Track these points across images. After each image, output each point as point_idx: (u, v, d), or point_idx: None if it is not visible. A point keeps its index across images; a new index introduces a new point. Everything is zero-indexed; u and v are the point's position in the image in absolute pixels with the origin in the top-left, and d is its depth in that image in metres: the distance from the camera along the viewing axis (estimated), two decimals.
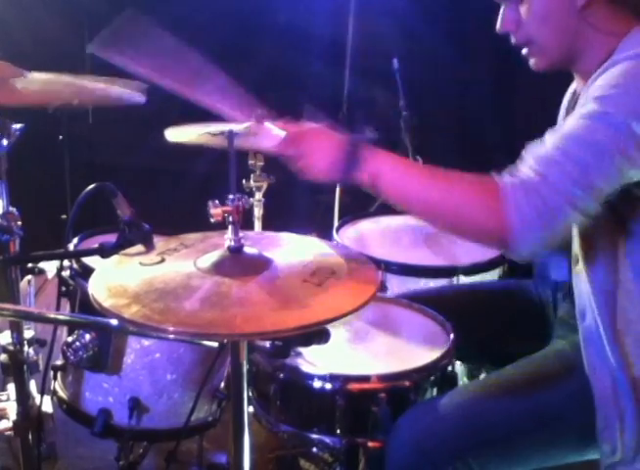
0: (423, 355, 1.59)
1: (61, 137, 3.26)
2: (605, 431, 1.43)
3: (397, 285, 2.06)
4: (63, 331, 1.74)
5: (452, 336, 1.65)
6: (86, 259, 1.76)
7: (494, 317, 1.80)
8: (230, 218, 1.23)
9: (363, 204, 3.31)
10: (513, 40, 1.51)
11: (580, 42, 1.47)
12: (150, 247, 1.32)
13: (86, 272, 1.72)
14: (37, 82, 1.49)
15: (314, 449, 1.57)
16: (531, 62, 1.52)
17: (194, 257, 1.25)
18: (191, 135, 2.02)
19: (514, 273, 2.12)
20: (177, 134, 2.03)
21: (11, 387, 1.70)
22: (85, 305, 1.69)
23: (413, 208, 1.38)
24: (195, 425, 1.73)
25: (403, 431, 1.47)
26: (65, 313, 1.73)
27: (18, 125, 1.54)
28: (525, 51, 1.52)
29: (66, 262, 1.79)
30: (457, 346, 1.62)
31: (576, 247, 1.47)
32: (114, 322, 1.34)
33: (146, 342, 1.67)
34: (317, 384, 1.52)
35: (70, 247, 1.87)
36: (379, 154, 1.39)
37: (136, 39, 1.50)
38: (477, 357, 1.88)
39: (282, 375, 1.56)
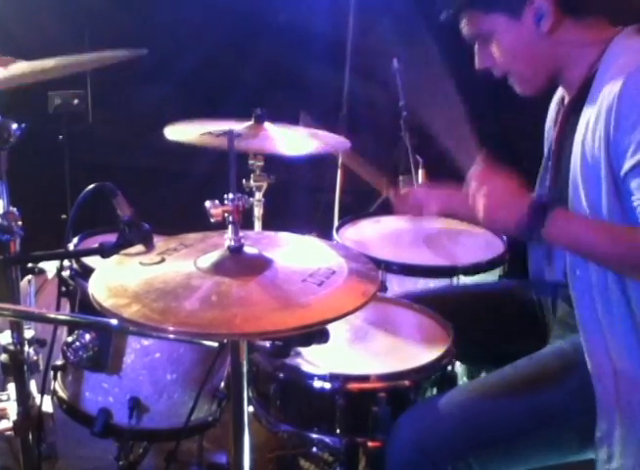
0: (423, 355, 1.59)
1: (61, 137, 3.26)
2: (604, 438, 1.43)
3: (397, 285, 2.06)
4: (63, 331, 1.73)
5: (452, 336, 1.65)
6: (86, 259, 1.76)
7: (493, 318, 1.80)
8: (230, 218, 1.23)
9: (363, 204, 3.32)
10: (495, 73, 1.56)
11: (560, 61, 1.50)
12: (150, 247, 1.32)
13: (86, 272, 1.72)
14: (29, 65, 1.49)
15: (314, 449, 1.57)
16: (518, 90, 1.57)
17: (194, 256, 1.25)
18: (191, 135, 2.02)
19: (514, 274, 2.12)
20: (177, 134, 2.03)
21: (11, 387, 1.70)
22: (85, 305, 1.69)
23: (599, 257, 1.41)
24: (195, 425, 1.73)
25: (404, 430, 1.47)
26: (65, 313, 1.73)
27: (18, 125, 1.53)
28: (510, 80, 1.56)
29: (66, 262, 1.79)
30: (457, 346, 1.62)
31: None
32: (114, 322, 1.34)
33: (146, 342, 1.67)
34: (317, 384, 1.52)
35: (70, 247, 1.87)
36: (561, 216, 1.42)
37: None
38: (476, 358, 1.88)
39: (282, 375, 1.56)
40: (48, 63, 1.47)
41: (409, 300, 1.85)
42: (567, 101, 1.57)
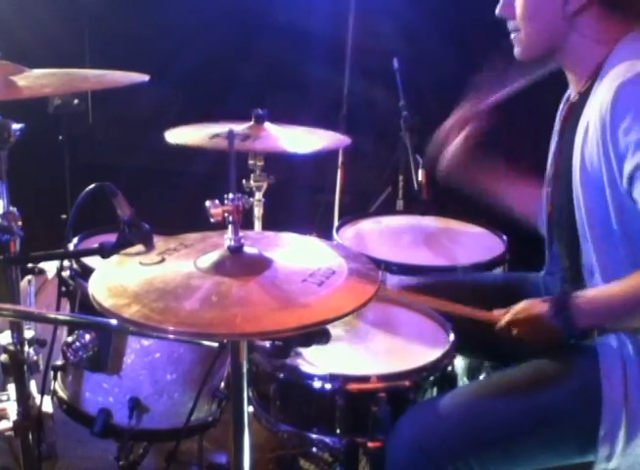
0: (423, 355, 1.59)
1: (61, 137, 3.26)
2: (607, 436, 1.43)
3: (397, 285, 2.06)
4: (63, 331, 1.74)
5: (452, 336, 1.65)
6: (86, 259, 1.76)
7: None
8: (230, 218, 1.23)
9: (363, 204, 3.32)
10: (509, 25, 1.56)
11: (567, 46, 1.50)
12: (150, 247, 1.32)
13: (86, 272, 1.72)
14: (32, 77, 1.50)
15: (314, 449, 1.57)
16: (515, 50, 1.57)
17: (194, 256, 1.25)
18: (192, 137, 2.02)
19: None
20: (178, 137, 2.03)
21: (11, 387, 1.70)
22: (85, 305, 1.69)
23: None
24: (195, 425, 1.73)
25: (404, 430, 1.47)
26: (65, 313, 1.73)
27: (18, 125, 1.53)
28: (512, 36, 1.56)
29: (66, 262, 1.79)
30: (457, 343, 1.62)
31: (592, 260, 1.47)
32: (113, 322, 1.34)
33: (146, 342, 1.67)
34: (317, 384, 1.52)
35: (70, 247, 1.87)
36: (587, 306, 1.44)
37: None
38: (477, 354, 1.88)
39: (282, 375, 1.56)
40: (50, 83, 1.49)
41: (411, 291, 1.85)
42: (572, 97, 1.58)
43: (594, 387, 1.44)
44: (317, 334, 1.18)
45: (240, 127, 2.09)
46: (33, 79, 1.49)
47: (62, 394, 1.79)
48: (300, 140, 2.09)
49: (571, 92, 1.59)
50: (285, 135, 2.08)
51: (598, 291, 1.46)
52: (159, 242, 1.34)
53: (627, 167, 1.34)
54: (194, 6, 3.39)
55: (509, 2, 1.54)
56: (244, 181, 2.21)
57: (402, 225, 2.34)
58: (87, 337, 1.62)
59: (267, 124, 2.12)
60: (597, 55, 1.46)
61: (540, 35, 1.52)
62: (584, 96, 1.48)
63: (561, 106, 1.70)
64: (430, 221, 2.36)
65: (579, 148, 1.44)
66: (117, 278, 1.20)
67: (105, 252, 1.31)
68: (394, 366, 1.55)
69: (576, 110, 1.51)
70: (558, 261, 1.69)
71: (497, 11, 1.56)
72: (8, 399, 1.76)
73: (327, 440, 1.53)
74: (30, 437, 1.66)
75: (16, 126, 1.53)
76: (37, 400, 1.67)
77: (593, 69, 1.47)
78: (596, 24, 1.46)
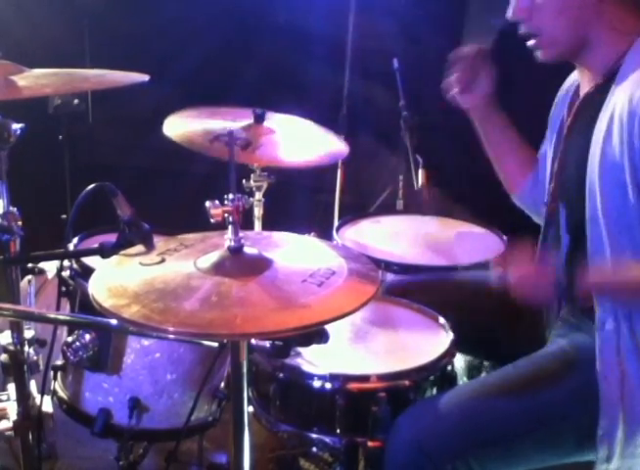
0: (422, 355, 1.59)
1: (61, 137, 3.25)
2: (605, 436, 1.42)
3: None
4: (63, 331, 1.74)
5: (452, 335, 1.65)
6: (86, 259, 1.76)
7: (493, 314, 1.80)
8: (230, 219, 1.23)
9: (363, 204, 3.31)
10: (522, 29, 1.51)
11: (591, 36, 1.46)
12: (150, 247, 1.32)
13: (86, 272, 1.72)
14: (32, 77, 1.50)
15: (314, 449, 1.57)
16: (538, 53, 1.52)
17: (194, 257, 1.25)
18: (191, 137, 2.02)
19: None
20: (176, 129, 2.03)
21: (11, 387, 1.70)
22: (85, 305, 1.69)
23: None
24: (195, 425, 1.73)
25: (403, 430, 1.47)
26: (65, 313, 1.73)
27: (18, 125, 1.53)
28: (531, 43, 1.52)
29: (66, 262, 1.79)
30: (457, 342, 1.63)
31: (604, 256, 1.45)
32: (113, 322, 1.34)
33: (146, 342, 1.67)
34: (317, 383, 1.52)
35: (70, 247, 1.87)
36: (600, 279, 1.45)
37: None
38: (475, 353, 1.88)
39: (282, 375, 1.56)
40: (51, 83, 1.49)
41: (407, 294, 1.85)
42: (585, 90, 1.54)
43: (592, 386, 1.45)
44: (316, 334, 1.18)
45: (239, 125, 2.08)
46: (33, 79, 1.49)
47: (62, 394, 1.79)
48: (301, 145, 2.09)
49: (582, 84, 1.56)
50: (285, 139, 2.07)
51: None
52: (159, 242, 1.34)
53: None
54: (194, 6, 3.38)
55: (524, 3, 1.48)
56: (244, 181, 2.20)
57: (402, 225, 2.34)
58: (87, 337, 1.62)
59: (267, 123, 2.11)
60: (617, 45, 1.44)
61: (569, 29, 1.47)
62: (603, 89, 1.46)
63: (561, 98, 1.67)
64: (430, 221, 2.35)
65: (600, 143, 1.41)
66: (117, 278, 1.20)
67: (105, 252, 1.31)
68: (394, 366, 1.55)
69: (594, 103, 1.47)
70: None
71: (510, 14, 1.50)
72: (8, 399, 1.76)
73: (327, 439, 1.53)
74: (30, 437, 1.66)
75: (16, 126, 1.53)
76: (37, 400, 1.67)
77: (613, 60, 1.45)
78: (617, 13, 1.44)
